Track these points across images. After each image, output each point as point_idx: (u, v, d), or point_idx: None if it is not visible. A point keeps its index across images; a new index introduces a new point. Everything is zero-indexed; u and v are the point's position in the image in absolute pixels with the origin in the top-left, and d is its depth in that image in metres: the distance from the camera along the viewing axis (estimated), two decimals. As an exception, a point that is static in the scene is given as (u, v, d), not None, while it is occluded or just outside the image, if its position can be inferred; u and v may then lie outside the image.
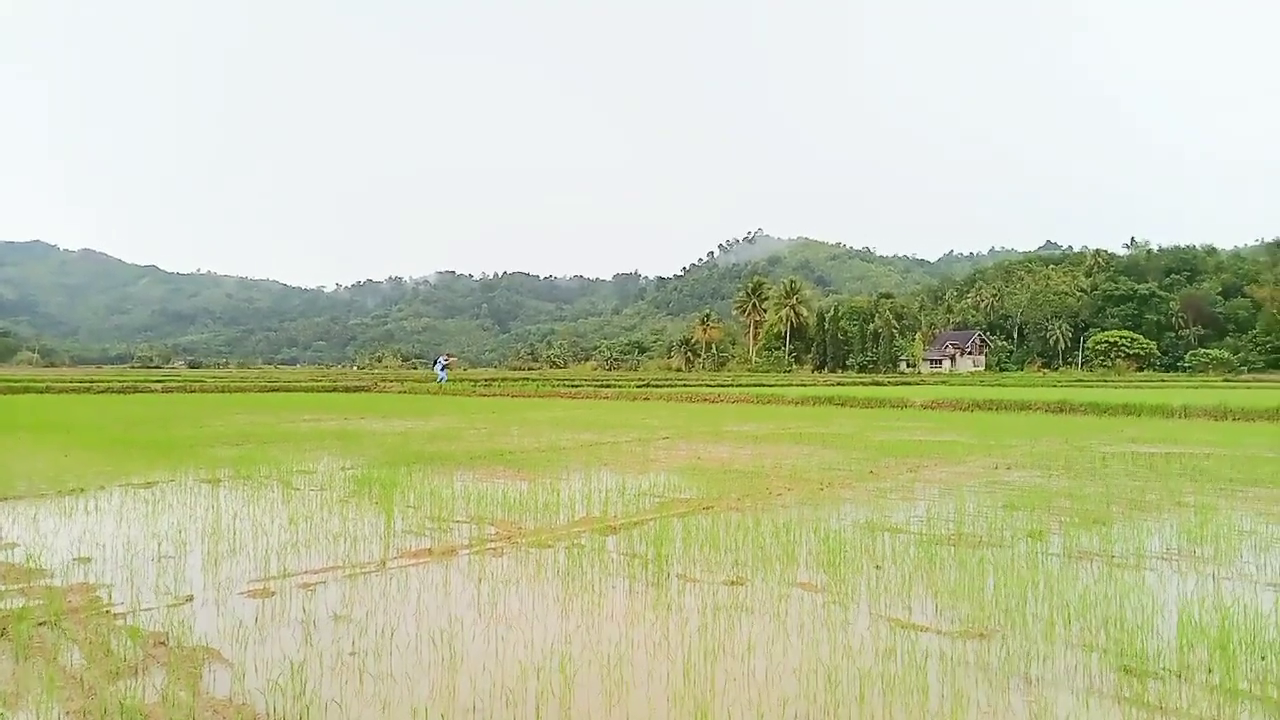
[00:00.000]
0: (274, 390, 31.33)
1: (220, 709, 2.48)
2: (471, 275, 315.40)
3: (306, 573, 4.06)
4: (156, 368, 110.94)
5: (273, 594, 3.71)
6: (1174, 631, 3.14)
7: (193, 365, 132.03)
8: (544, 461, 8.72)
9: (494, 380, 40.16)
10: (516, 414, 17.56)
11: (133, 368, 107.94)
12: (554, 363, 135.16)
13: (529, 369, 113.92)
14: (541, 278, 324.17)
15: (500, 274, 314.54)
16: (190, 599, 3.65)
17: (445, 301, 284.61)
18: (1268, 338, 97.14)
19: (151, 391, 28.86)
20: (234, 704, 2.52)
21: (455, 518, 5.46)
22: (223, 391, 29.61)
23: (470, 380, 39.81)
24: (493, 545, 4.65)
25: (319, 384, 35.13)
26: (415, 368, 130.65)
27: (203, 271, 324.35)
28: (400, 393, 30.84)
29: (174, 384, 32.49)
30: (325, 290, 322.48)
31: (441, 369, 38.38)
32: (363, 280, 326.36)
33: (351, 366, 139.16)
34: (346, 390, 32.36)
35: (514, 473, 7.77)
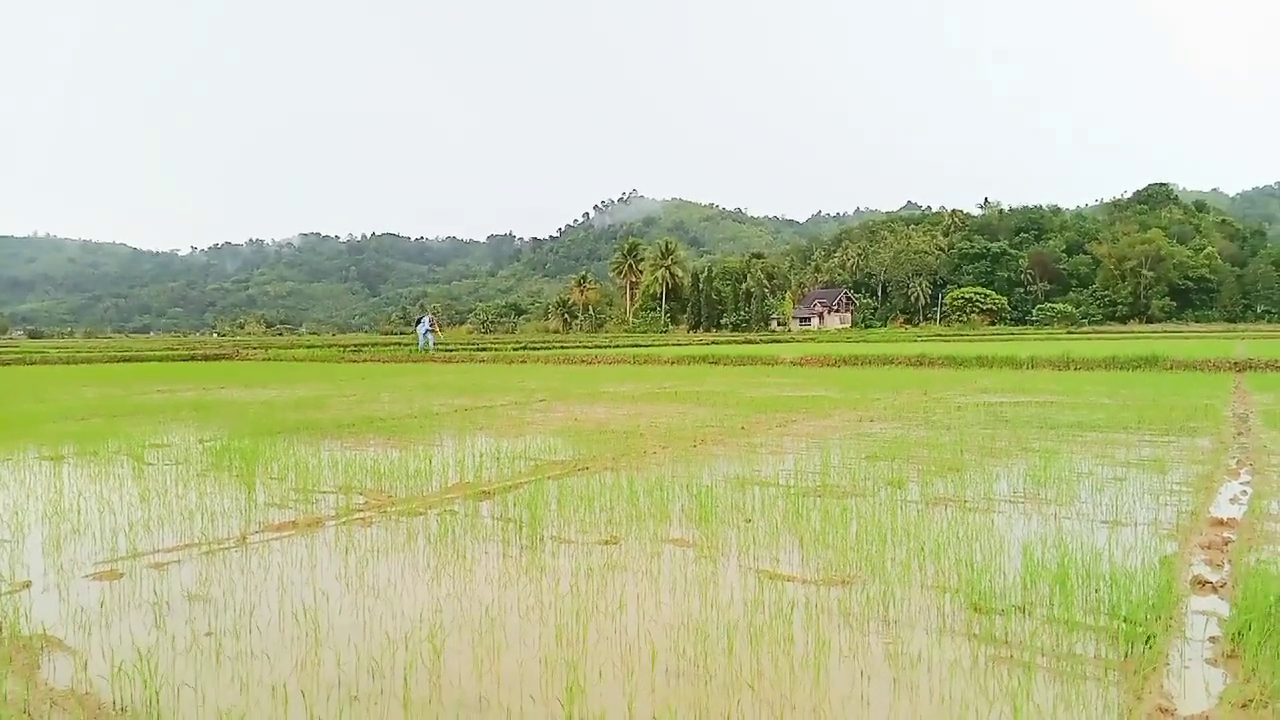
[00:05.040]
0: (125, 360, 29.54)
1: (60, 700, 2.32)
2: (338, 237, 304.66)
3: (159, 552, 3.85)
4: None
5: (121, 575, 3.50)
6: (1019, 569, 3.33)
7: (33, 336, 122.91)
8: (416, 428, 8.54)
9: (364, 345, 39.01)
10: (388, 380, 17.13)
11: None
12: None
13: (401, 333, 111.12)
14: (412, 239, 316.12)
15: (369, 235, 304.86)
16: (28, 585, 3.41)
17: (311, 264, 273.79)
18: (1105, 292, 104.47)
19: (-15, 364, 26.72)
20: (76, 694, 2.37)
21: (322, 488, 5.28)
22: (67, 363, 27.71)
23: (340, 346, 38.40)
24: (361, 515, 4.52)
25: (175, 353, 33.28)
26: (280, 333, 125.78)
27: (41, 234, 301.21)
28: (264, 360, 29.59)
29: (11, 356, 30.18)
30: (179, 253, 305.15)
31: (426, 331, 33.81)
32: (220, 243, 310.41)
33: (211, 334, 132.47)
34: (205, 358, 30.80)
35: (385, 440, 7.58)
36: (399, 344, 42.36)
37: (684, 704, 2.29)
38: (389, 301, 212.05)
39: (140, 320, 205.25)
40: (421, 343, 33.34)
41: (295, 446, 7.02)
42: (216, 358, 31.27)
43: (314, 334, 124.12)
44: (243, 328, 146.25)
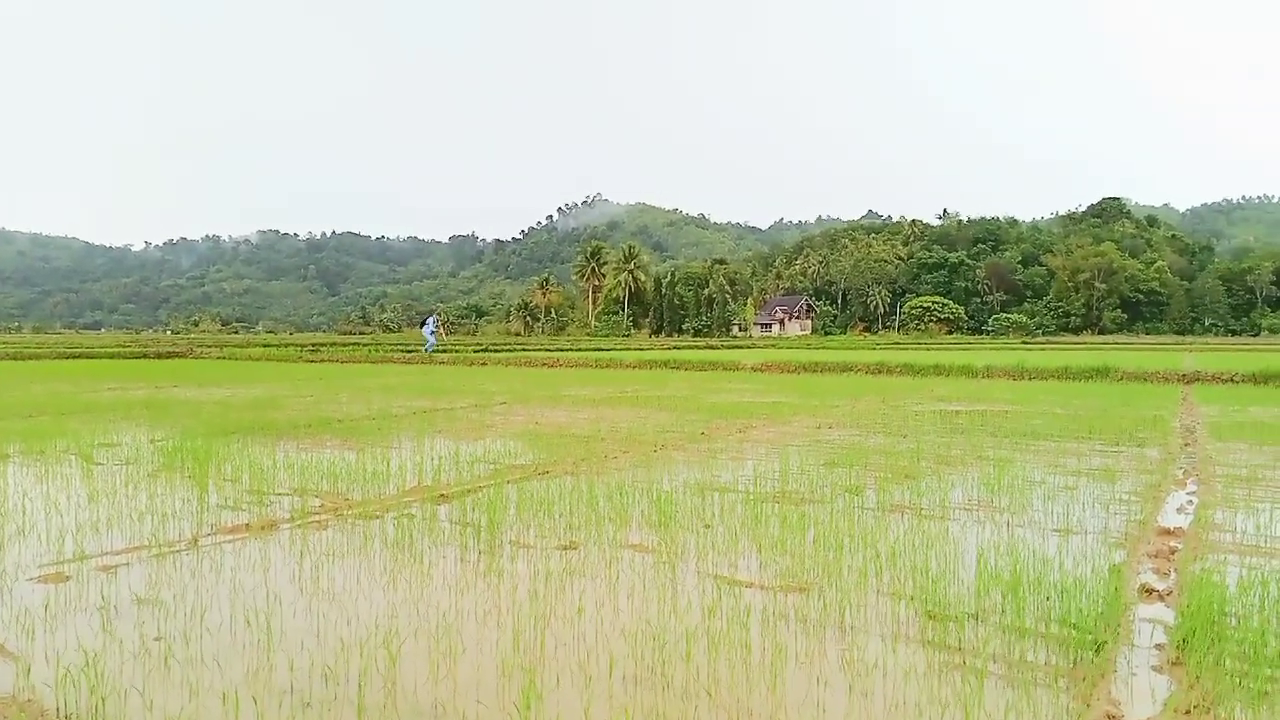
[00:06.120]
0: (75, 357, 28.87)
1: (0, 708, 2.26)
2: (297, 234, 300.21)
3: (107, 554, 3.77)
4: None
5: (67, 578, 3.42)
6: (973, 577, 3.38)
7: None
8: (374, 429, 8.45)
9: (322, 345, 38.52)
10: (346, 380, 16.93)
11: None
12: (387, 327, 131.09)
13: (360, 333, 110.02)
14: (373, 238, 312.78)
15: (328, 233, 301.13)
16: (-32, 588, 3.32)
17: (269, 262, 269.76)
18: (1059, 303, 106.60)
19: (-73, 359, 25.95)
20: (18, 700, 2.31)
21: (277, 490, 5.20)
22: (14, 359, 27.01)
23: (298, 346, 37.83)
24: (317, 518, 4.46)
25: (127, 350, 32.59)
26: (236, 331, 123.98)
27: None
28: (219, 358, 29.09)
29: (-46, 351, 29.34)
30: (133, 248, 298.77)
31: (430, 332, 32.64)
32: (176, 238, 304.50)
33: (164, 331, 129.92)
34: (158, 356, 30.21)
35: (342, 441, 7.49)
36: (357, 344, 41.87)
37: (641, 710, 2.29)
38: (348, 301, 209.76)
39: (91, 316, 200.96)
40: (430, 344, 32.23)
41: (250, 447, 6.91)
42: (170, 355, 30.68)
43: (271, 333, 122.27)
44: (197, 325, 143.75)
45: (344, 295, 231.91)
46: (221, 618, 2.98)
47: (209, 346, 35.52)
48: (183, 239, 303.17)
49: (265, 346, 36.64)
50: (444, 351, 31.52)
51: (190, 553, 3.82)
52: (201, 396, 12.39)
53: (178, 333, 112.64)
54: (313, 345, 37.93)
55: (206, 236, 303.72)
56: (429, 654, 2.65)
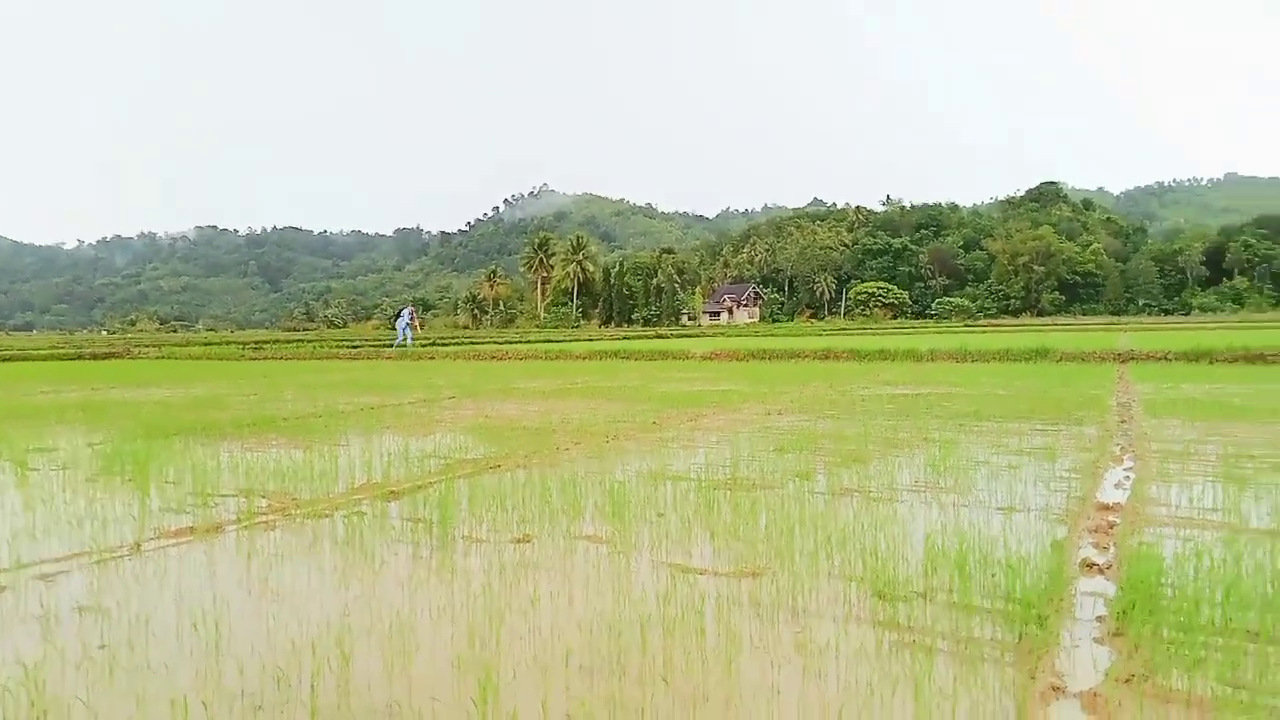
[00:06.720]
0: (5, 360, 27.94)
1: (-63, 724, 2.19)
2: (236, 230, 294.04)
3: (45, 562, 3.66)
4: None
5: (4, 588, 3.32)
6: (921, 557, 3.44)
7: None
8: (321, 427, 8.32)
9: (265, 342, 37.77)
10: (291, 378, 16.64)
11: None
12: (332, 323, 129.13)
13: (304, 330, 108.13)
14: (315, 233, 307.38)
15: (269, 229, 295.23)
16: (-102, 602, 3.20)
17: (207, 259, 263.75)
18: (1000, 286, 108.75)
19: None
20: (-45, 716, 2.24)
21: (222, 492, 5.10)
22: (-60, 363, 26.06)
23: (239, 344, 37.04)
24: (264, 518, 4.39)
25: (60, 351, 31.64)
26: (175, 330, 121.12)
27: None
28: (158, 358, 28.38)
29: (-124, 356, 28.21)
30: (65, 247, 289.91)
31: (405, 326, 31.74)
32: (110, 236, 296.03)
33: (100, 331, 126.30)
34: (94, 357, 29.38)
35: (288, 440, 7.36)
36: (301, 340, 41.16)
37: (599, 700, 2.29)
38: (291, 297, 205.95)
39: (21, 318, 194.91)
40: (400, 338, 31.57)
41: (192, 448, 6.76)
42: (106, 356, 29.84)
43: (211, 330, 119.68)
44: (134, 324, 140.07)
45: (286, 291, 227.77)
46: (167, 623, 2.92)
47: (147, 346, 34.59)
48: (117, 236, 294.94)
49: (206, 345, 35.85)
50: (389, 346, 31.00)
51: (133, 558, 3.73)
52: (140, 397, 12.08)
53: (114, 333, 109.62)
54: (255, 343, 37.19)
55: (142, 234, 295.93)
56: (383, 652, 2.63)
